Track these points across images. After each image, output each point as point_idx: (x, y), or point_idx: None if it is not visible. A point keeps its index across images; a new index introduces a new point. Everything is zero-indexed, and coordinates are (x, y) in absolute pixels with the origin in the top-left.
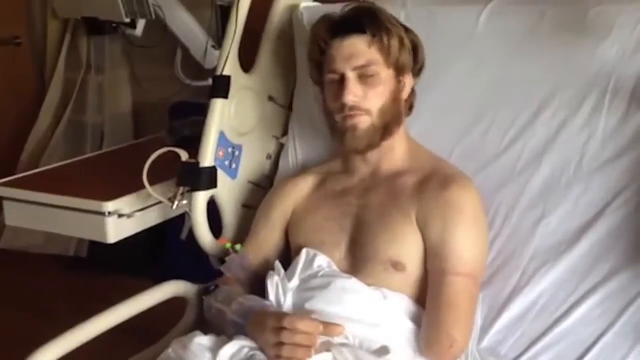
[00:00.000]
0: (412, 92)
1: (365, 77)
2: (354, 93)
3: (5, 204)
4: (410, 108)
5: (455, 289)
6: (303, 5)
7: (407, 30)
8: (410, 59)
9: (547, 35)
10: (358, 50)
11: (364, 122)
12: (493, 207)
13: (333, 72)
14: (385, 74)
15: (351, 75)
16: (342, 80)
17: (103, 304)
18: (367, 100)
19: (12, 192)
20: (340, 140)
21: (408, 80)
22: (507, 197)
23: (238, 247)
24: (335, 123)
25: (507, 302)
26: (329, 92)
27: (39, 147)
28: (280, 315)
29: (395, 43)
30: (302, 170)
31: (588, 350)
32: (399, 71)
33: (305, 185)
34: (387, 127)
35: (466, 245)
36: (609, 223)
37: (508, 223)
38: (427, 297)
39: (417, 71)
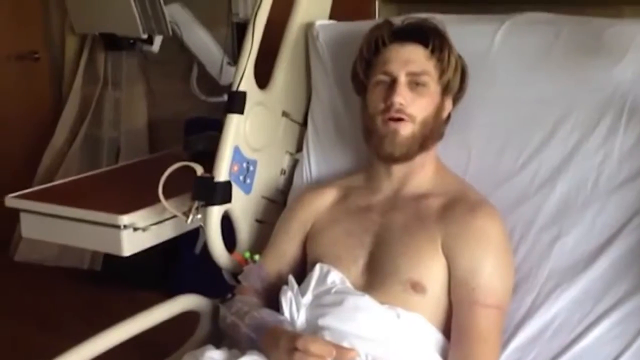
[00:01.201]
0: (448, 117)
1: (415, 84)
2: (403, 95)
3: (22, 216)
4: (441, 134)
5: (486, 321)
6: (319, 22)
7: (459, 56)
8: (458, 84)
9: (562, 54)
10: (416, 57)
11: (406, 128)
12: (508, 227)
13: (384, 74)
14: (434, 88)
15: (403, 79)
16: (392, 83)
17: (116, 317)
18: (413, 107)
19: (28, 204)
20: (378, 145)
21: (448, 104)
22: (522, 216)
23: (257, 257)
24: (375, 128)
25: (522, 321)
26: (374, 94)
27: (56, 160)
28: (293, 335)
29: (452, 64)
30: (319, 183)
31: None
32: (446, 91)
33: (327, 197)
34: (425, 139)
35: (495, 275)
36: (625, 244)
37: (524, 242)
38: (453, 327)
39: (457, 98)
